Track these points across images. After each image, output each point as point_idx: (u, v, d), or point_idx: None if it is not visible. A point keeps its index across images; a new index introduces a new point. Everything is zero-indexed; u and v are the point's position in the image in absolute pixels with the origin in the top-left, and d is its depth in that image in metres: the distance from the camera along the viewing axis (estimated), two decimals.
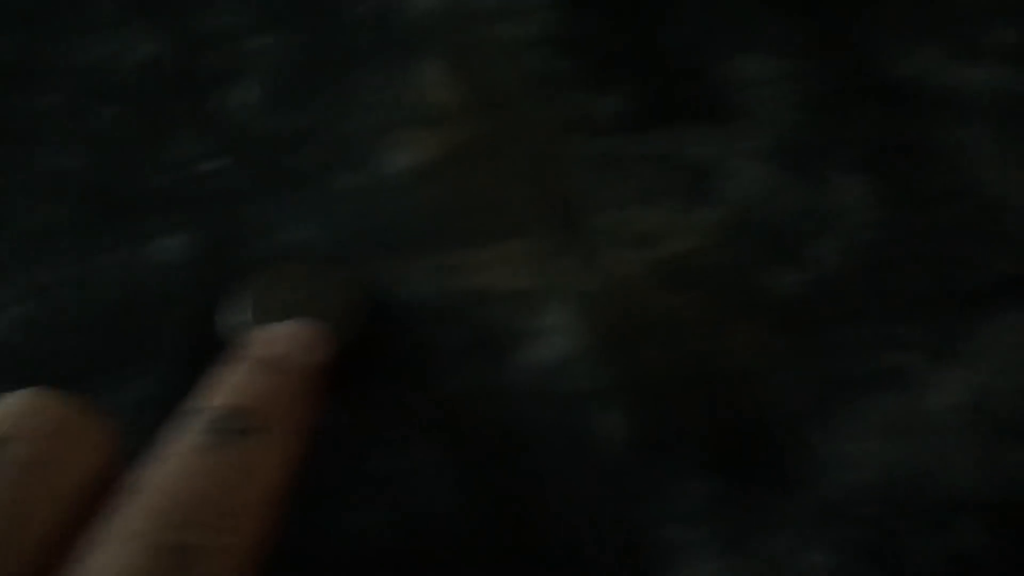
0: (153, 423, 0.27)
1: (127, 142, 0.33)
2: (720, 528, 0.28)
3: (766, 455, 0.29)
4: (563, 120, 0.34)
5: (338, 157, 0.33)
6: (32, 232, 0.31)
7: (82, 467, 0.19)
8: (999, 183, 0.34)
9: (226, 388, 0.22)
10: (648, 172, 0.33)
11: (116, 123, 0.33)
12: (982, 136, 0.35)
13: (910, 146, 0.35)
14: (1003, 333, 0.31)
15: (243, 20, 0.34)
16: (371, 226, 0.32)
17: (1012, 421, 0.29)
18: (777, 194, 0.33)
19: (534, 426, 0.29)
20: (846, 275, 0.32)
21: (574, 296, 0.31)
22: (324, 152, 0.33)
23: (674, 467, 0.29)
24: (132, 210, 0.32)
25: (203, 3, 0.35)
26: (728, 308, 0.31)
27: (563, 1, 0.36)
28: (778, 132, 0.34)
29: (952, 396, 0.30)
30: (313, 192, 0.32)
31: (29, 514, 0.17)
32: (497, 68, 0.35)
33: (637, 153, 0.34)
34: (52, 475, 0.18)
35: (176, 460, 0.20)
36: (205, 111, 0.33)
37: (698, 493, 0.29)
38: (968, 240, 0.33)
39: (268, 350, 0.25)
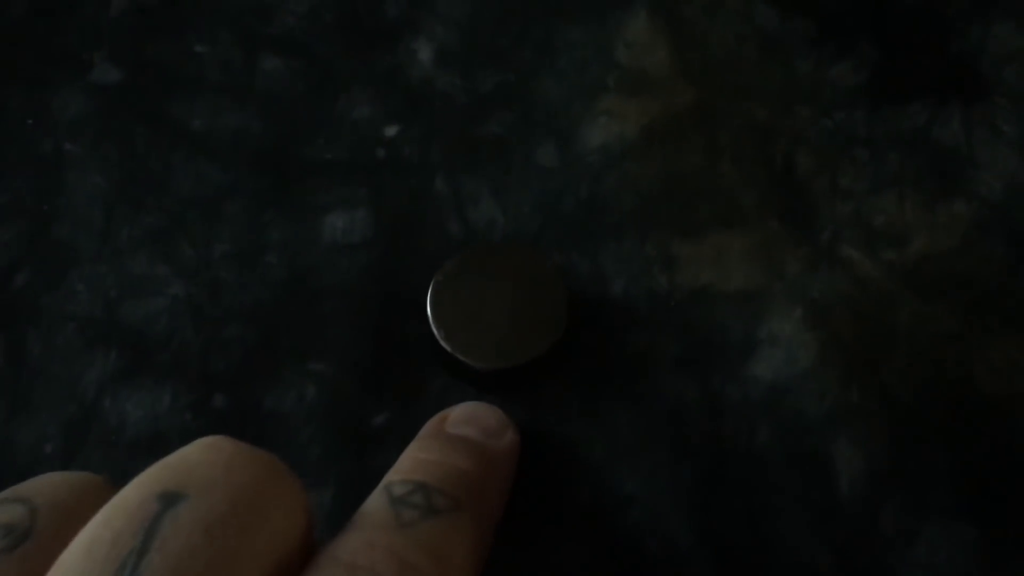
0: (315, 438, 0.24)
1: (294, 100, 0.29)
2: None
3: None
4: (790, 90, 0.30)
5: (533, 126, 0.29)
6: (192, 199, 0.28)
7: (268, 533, 0.16)
8: None
9: (415, 464, 0.21)
10: (889, 156, 0.29)
11: (280, 78, 0.29)
12: None
13: None
14: None
15: None
16: (570, 208, 0.28)
17: None
18: None
19: (756, 451, 0.26)
20: None
21: (805, 300, 0.27)
22: (517, 120, 0.29)
23: (918, 509, 0.25)
24: (303, 179, 0.28)
25: None
26: (987, 320, 0.27)
27: None
28: None
29: None
30: (506, 165, 0.29)
31: None
32: (716, 26, 0.30)
33: (876, 133, 0.29)
34: (231, 537, 0.15)
35: (368, 535, 0.18)
36: (383, 67, 0.30)
37: (946, 543, 0.25)
38: None
39: (458, 430, 0.24)
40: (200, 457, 0.17)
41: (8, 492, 0.18)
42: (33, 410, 0.26)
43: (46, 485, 0.18)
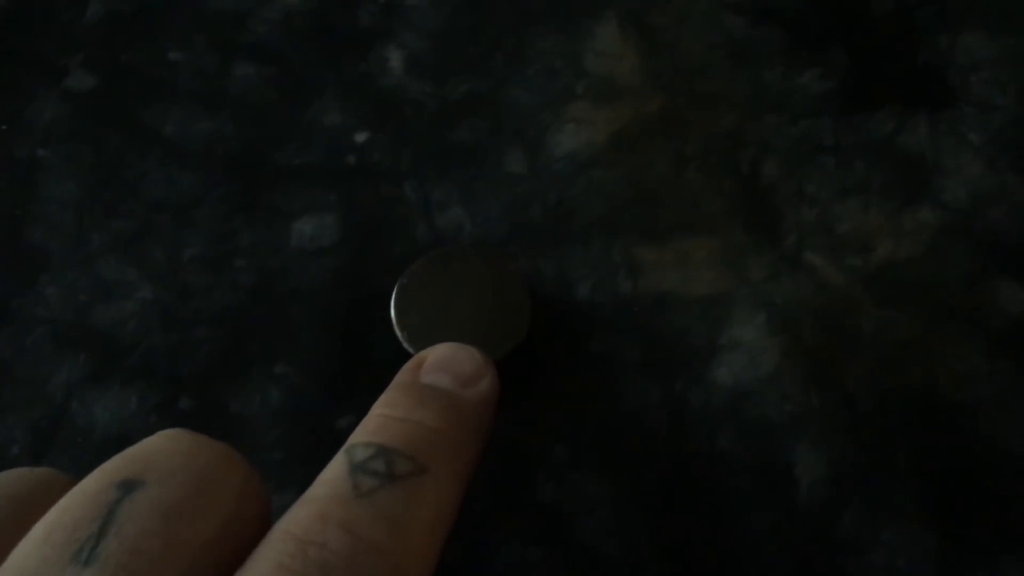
0: (280, 441, 0.25)
1: (266, 107, 0.30)
2: None
3: (986, 505, 0.26)
4: (758, 98, 0.30)
5: (502, 133, 0.30)
6: (163, 203, 0.29)
7: (222, 517, 0.17)
8: None
9: (380, 424, 0.21)
10: (856, 163, 0.30)
11: (253, 84, 0.30)
12: None
13: None
14: None
15: None
16: (538, 214, 0.29)
17: None
18: (1003, 196, 0.30)
19: (718, 455, 0.26)
20: None
21: (768, 305, 0.28)
22: (487, 127, 0.30)
23: (877, 515, 0.26)
24: (273, 185, 0.29)
25: None
26: (947, 328, 0.28)
27: None
28: (1004, 123, 0.30)
29: None
30: (475, 172, 0.29)
31: (157, 565, 0.15)
32: (686, 35, 0.31)
33: (843, 140, 0.30)
34: (188, 523, 0.16)
35: (321, 507, 0.17)
36: (355, 75, 0.30)
37: (905, 548, 0.25)
38: None
39: (430, 379, 0.22)
40: (159, 447, 0.18)
41: None
42: (1, 412, 0.27)
43: (7, 478, 0.19)
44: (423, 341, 0.26)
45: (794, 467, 0.27)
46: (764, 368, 0.28)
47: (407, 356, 0.26)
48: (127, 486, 0.17)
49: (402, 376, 0.23)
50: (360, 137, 0.30)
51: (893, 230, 0.30)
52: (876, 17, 0.32)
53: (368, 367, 0.28)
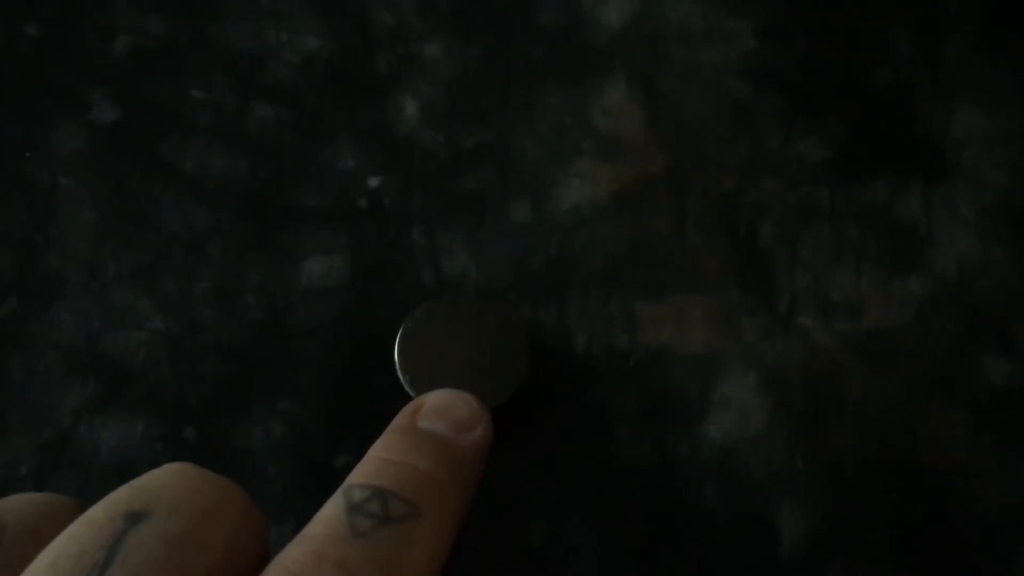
0: (279, 476, 0.26)
1: (282, 147, 0.31)
2: None
3: (962, 571, 0.27)
4: (758, 163, 0.32)
5: (509, 184, 0.31)
6: (178, 236, 0.30)
7: (223, 548, 0.18)
8: None
9: (377, 467, 0.21)
10: (850, 230, 0.31)
11: (270, 124, 0.31)
12: None
13: None
14: None
15: (415, 22, 0.32)
16: (540, 264, 0.30)
17: None
18: (991, 269, 0.31)
19: (703, 509, 0.27)
20: None
21: (760, 365, 0.29)
22: (495, 177, 0.31)
23: (855, 572, 0.27)
24: (285, 224, 0.30)
25: (376, 0, 0.33)
26: (931, 395, 0.29)
27: (769, 28, 0.33)
28: (996, 198, 0.32)
29: None
30: (481, 221, 0.30)
31: None
32: (689, 97, 0.32)
33: (839, 207, 0.31)
34: (191, 555, 0.17)
35: (319, 546, 0.18)
36: (370, 120, 0.32)
37: None
38: None
39: (427, 424, 0.23)
40: (165, 480, 0.19)
41: None
42: (11, 432, 0.28)
43: (17, 503, 0.20)
44: (424, 384, 0.27)
45: (777, 524, 0.28)
46: (753, 427, 0.29)
47: (407, 398, 0.27)
48: (133, 518, 0.17)
49: (400, 420, 0.24)
50: (373, 182, 0.31)
51: (883, 297, 0.31)
52: (875, 89, 0.33)
53: (368, 407, 0.29)
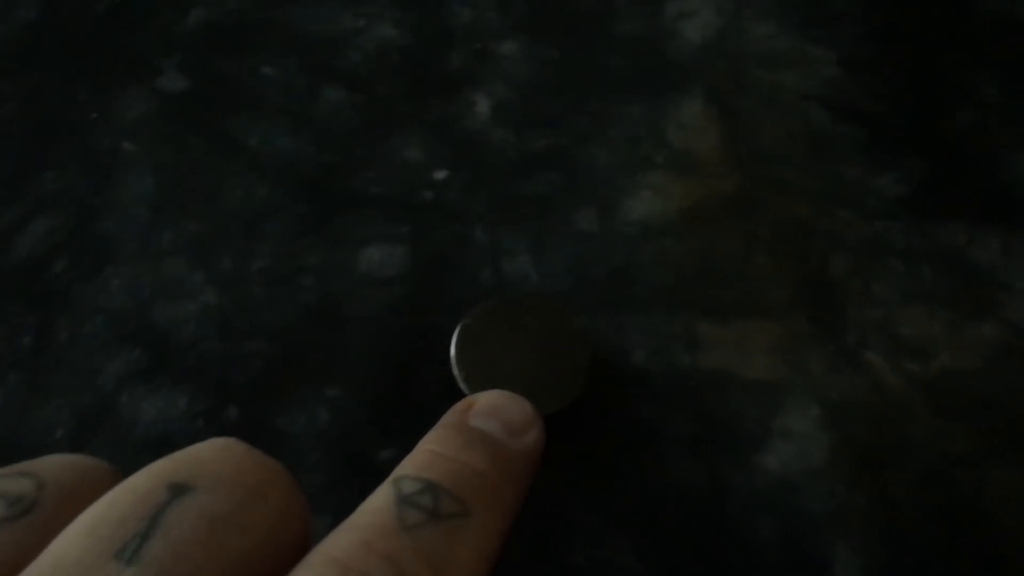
0: (320, 464, 0.25)
1: (350, 133, 0.31)
2: None
3: None
4: (834, 192, 0.31)
5: (577, 190, 0.30)
6: (238, 212, 0.29)
7: (265, 531, 0.17)
8: None
9: (429, 460, 0.20)
10: (924, 269, 0.30)
11: (340, 109, 0.31)
12: None
13: None
14: None
15: (493, 20, 0.32)
16: (603, 274, 0.29)
17: None
18: None
19: (755, 543, 0.26)
20: None
21: (824, 399, 0.28)
22: (563, 182, 0.30)
23: None
24: (347, 210, 0.29)
25: None
26: (1003, 447, 0.28)
27: (854, 59, 0.32)
28: None
29: None
30: (546, 225, 0.30)
31: (198, 573, 0.15)
32: (770, 121, 0.32)
33: (914, 245, 0.30)
34: (233, 535, 0.16)
35: (366, 536, 0.17)
36: (441, 114, 0.31)
37: None
38: None
39: (479, 423, 0.22)
40: (212, 455, 0.18)
41: (19, 466, 0.18)
42: (50, 394, 0.27)
43: (56, 463, 0.19)
44: (478, 383, 0.26)
45: (831, 565, 0.27)
46: (813, 461, 0.28)
47: (458, 396, 0.26)
48: (177, 490, 0.17)
49: (451, 416, 0.23)
50: (439, 175, 0.31)
51: (954, 341, 0.30)
52: (958, 130, 0.33)
53: (416, 402, 0.28)
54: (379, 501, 0.19)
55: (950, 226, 0.31)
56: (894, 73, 0.33)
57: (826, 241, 0.31)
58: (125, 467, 0.18)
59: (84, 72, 0.31)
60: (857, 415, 0.28)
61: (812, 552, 0.26)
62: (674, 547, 0.26)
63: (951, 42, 0.34)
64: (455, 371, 0.26)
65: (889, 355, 0.29)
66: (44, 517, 0.17)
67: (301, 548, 0.18)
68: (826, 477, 0.27)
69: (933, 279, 0.30)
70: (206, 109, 0.31)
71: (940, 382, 0.29)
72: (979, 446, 0.28)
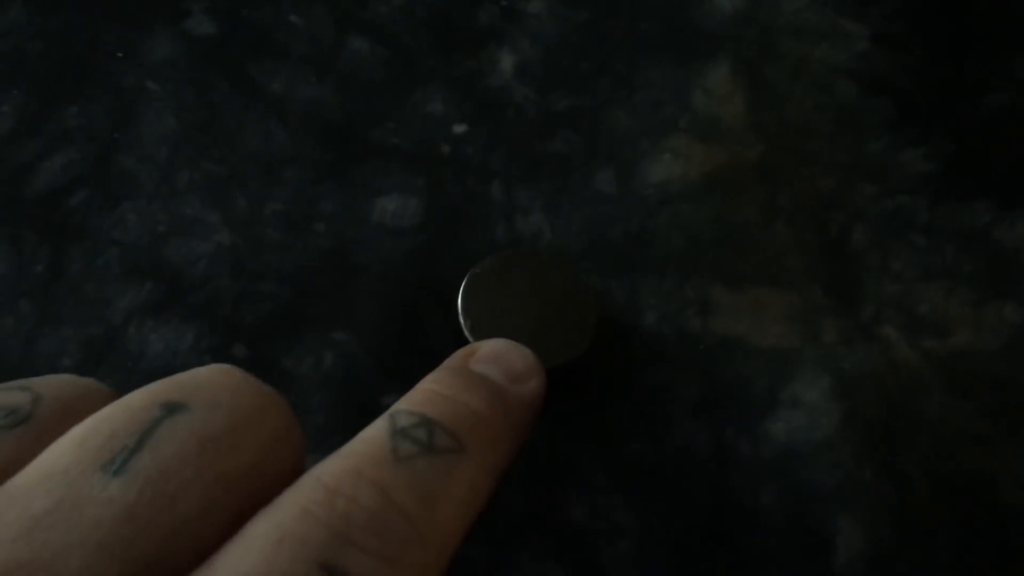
0: (323, 406, 0.25)
1: (372, 84, 0.31)
2: None
3: None
4: (858, 166, 0.30)
5: (597, 152, 0.30)
6: (256, 156, 0.29)
7: (256, 455, 0.17)
8: None
9: (426, 397, 0.20)
10: (945, 247, 0.29)
11: (364, 59, 0.31)
12: None
13: None
14: None
15: None
16: (618, 236, 0.29)
17: None
18: None
19: (757, 510, 0.26)
20: None
21: (836, 370, 0.28)
22: (583, 143, 0.30)
23: None
24: (365, 159, 0.29)
25: None
26: (1014, 426, 0.27)
27: (885, 34, 0.32)
28: None
29: None
30: (563, 184, 0.29)
31: (184, 489, 0.15)
32: (795, 91, 0.31)
33: (937, 223, 0.30)
34: (223, 456, 0.16)
35: (357, 463, 0.17)
36: (464, 69, 0.31)
37: None
38: None
39: (481, 368, 0.22)
40: (209, 378, 0.18)
41: (18, 381, 0.18)
42: (60, 323, 0.27)
43: (54, 381, 0.19)
44: (484, 333, 0.26)
45: (834, 536, 0.26)
46: (821, 431, 0.27)
47: (465, 344, 0.26)
48: (171, 408, 0.17)
49: (453, 360, 0.23)
50: (458, 129, 0.30)
51: (974, 320, 0.29)
52: (988, 109, 0.32)
53: (422, 351, 0.28)
54: (374, 432, 0.19)
55: (975, 205, 0.31)
56: (926, 50, 0.33)
57: (847, 214, 0.30)
58: None
59: (111, 11, 0.31)
60: (869, 388, 0.28)
61: (815, 523, 0.26)
62: (674, 509, 0.26)
63: (985, 21, 0.33)
64: (461, 320, 0.26)
65: (905, 330, 0.29)
66: (38, 430, 0.17)
67: (293, 476, 0.18)
68: (834, 448, 0.27)
69: (955, 257, 0.30)
70: (231, 54, 0.31)
71: (956, 360, 0.28)
72: (992, 425, 0.27)
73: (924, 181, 0.31)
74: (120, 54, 0.31)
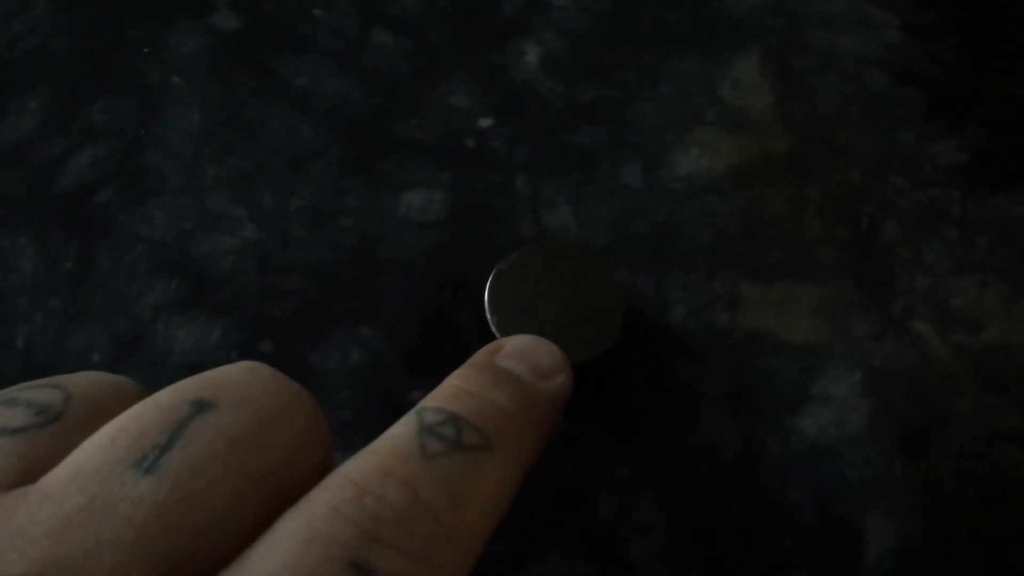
0: (349, 402, 0.25)
1: (397, 77, 0.31)
2: None
3: None
4: (888, 158, 0.30)
5: (623, 144, 0.30)
6: (282, 151, 0.29)
7: (284, 453, 0.17)
8: None
9: (453, 394, 0.20)
10: (978, 240, 0.29)
11: (388, 53, 0.31)
12: None
13: None
14: None
15: None
16: (645, 230, 0.29)
17: None
18: None
19: (787, 506, 0.26)
20: None
21: (866, 365, 0.27)
22: (609, 135, 0.30)
23: None
24: (390, 153, 0.29)
25: None
26: None
27: (917, 24, 0.31)
28: None
29: None
30: (589, 177, 0.29)
31: (213, 488, 0.15)
32: (826, 82, 0.31)
33: (969, 215, 0.29)
34: (252, 454, 0.16)
35: (385, 460, 0.17)
36: (489, 62, 0.31)
37: None
38: None
39: (507, 364, 0.22)
40: (238, 376, 0.18)
41: (49, 379, 0.19)
42: (88, 319, 0.27)
43: (85, 378, 0.19)
44: (510, 328, 0.26)
45: (865, 533, 0.26)
46: (851, 427, 0.27)
47: (490, 341, 0.26)
48: (200, 406, 0.17)
49: (479, 357, 0.23)
50: (484, 122, 0.30)
51: (1007, 314, 0.29)
52: (1021, 98, 0.31)
53: (448, 346, 0.28)
54: (401, 429, 0.19)
55: (1008, 197, 0.30)
56: (958, 40, 0.32)
57: (877, 206, 0.30)
58: None
59: (138, 7, 0.31)
60: (900, 383, 0.27)
61: (844, 520, 0.26)
62: (702, 505, 0.26)
63: (1018, 10, 0.32)
64: (488, 315, 0.26)
65: (937, 325, 0.28)
66: (69, 427, 0.17)
67: (321, 473, 0.18)
68: (864, 444, 0.27)
69: (988, 250, 0.29)
70: (256, 48, 0.31)
71: (989, 355, 0.28)
72: None
73: (956, 172, 0.30)
74: (146, 50, 0.31)
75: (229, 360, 0.27)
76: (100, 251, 0.28)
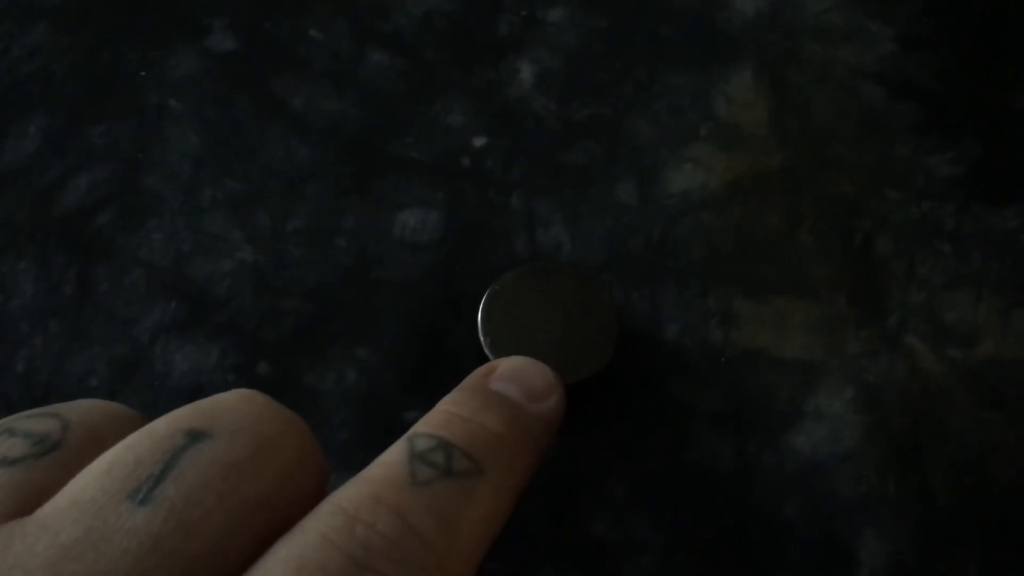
0: (346, 422, 0.25)
1: (392, 97, 0.31)
2: None
3: None
4: (883, 171, 0.30)
5: (617, 161, 0.30)
6: (278, 171, 0.29)
7: (278, 481, 0.17)
8: None
9: (444, 419, 0.21)
10: (973, 254, 0.29)
11: (383, 73, 0.31)
12: None
13: None
14: None
15: None
16: (639, 247, 0.29)
17: None
18: None
19: (780, 523, 0.26)
20: None
21: (859, 381, 0.27)
22: (603, 153, 0.30)
23: None
24: (385, 173, 0.30)
25: None
26: None
27: (911, 36, 0.31)
28: None
29: None
30: (583, 195, 0.30)
31: (207, 517, 0.15)
32: (818, 95, 0.31)
33: (964, 229, 0.29)
34: (246, 482, 0.16)
35: (376, 488, 0.17)
36: (483, 81, 0.31)
37: None
38: None
39: (499, 386, 0.22)
40: (232, 404, 0.18)
41: (47, 408, 0.19)
42: (88, 343, 0.28)
43: (83, 407, 0.19)
44: (504, 350, 0.26)
45: (858, 550, 0.26)
46: (844, 444, 0.27)
47: (484, 361, 0.26)
48: (194, 435, 0.17)
49: (472, 379, 0.23)
50: (478, 141, 0.31)
51: (1001, 328, 0.29)
52: (1017, 112, 0.32)
53: (444, 366, 0.28)
54: (392, 456, 0.19)
55: (1003, 210, 0.30)
56: (953, 52, 0.32)
57: (872, 220, 0.30)
58: (156, 416, 0.19)
59: (134, 29, 0.32)
60: (893, 399, 0.28)
61: (838, 536, 0.26)
62: (697, 522, 0.26)
63: (1013, 23, 0.33)
64: (481, 337, 0.26)
65: (931, 340, 0.28)
66: (67, 457, 0.18)
67: (316, 499, 0.18)
68: (857, 460, 0.27)
69: (982, 264, 0.30)
70: (253, 69, 0.32)
71: (983, 370, 0.28)
72: (1020, 436, 0.27)
73: (951, 186, 0.31)
74: (143, 72, 0.31)
75: (227, 382, 0.27)
76: (99, 274, 0.29)
